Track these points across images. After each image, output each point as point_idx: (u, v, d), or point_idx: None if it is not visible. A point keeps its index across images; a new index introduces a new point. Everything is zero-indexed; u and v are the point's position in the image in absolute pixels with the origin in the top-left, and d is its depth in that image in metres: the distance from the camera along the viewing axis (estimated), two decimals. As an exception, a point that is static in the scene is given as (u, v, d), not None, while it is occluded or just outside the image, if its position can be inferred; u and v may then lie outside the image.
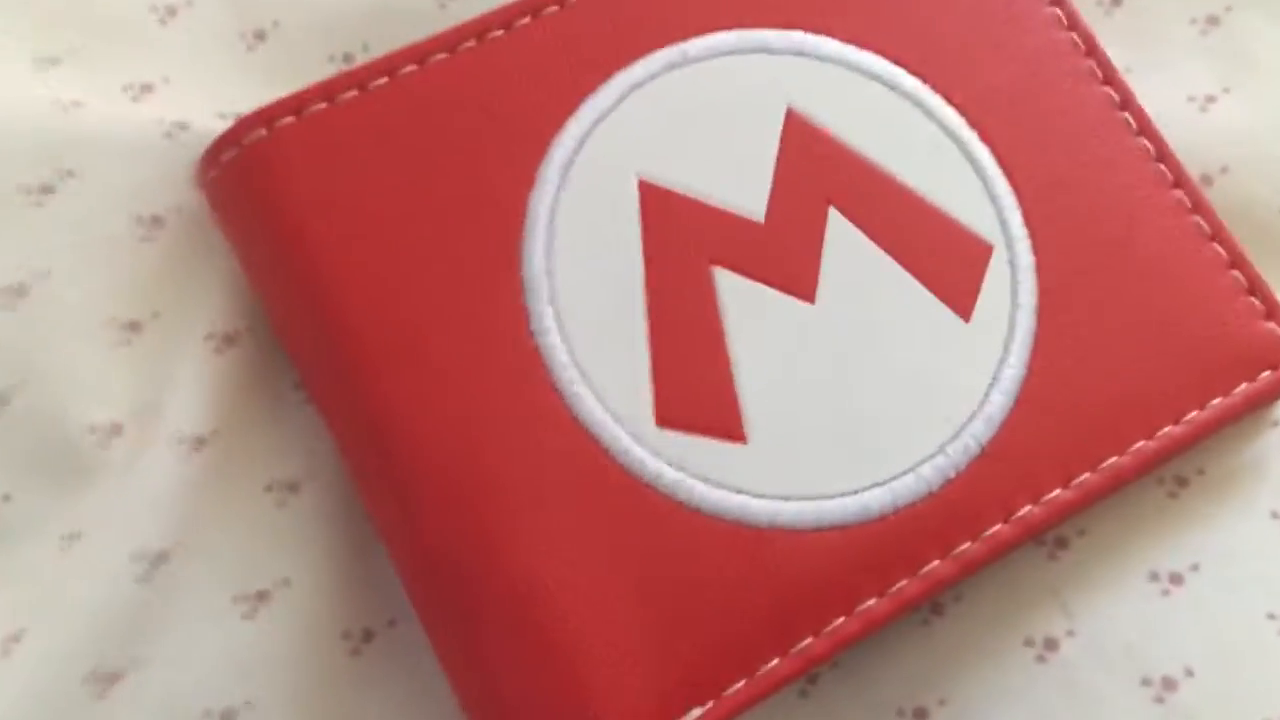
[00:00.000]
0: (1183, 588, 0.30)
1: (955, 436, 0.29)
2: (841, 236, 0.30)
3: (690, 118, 0.31)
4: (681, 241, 0.30)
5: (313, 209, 0.29)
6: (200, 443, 0.30)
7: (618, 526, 0.28)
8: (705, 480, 0.28)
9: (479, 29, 0.31)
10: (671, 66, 0.31)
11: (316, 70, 0.34)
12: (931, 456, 0.29)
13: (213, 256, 0.32)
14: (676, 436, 0.28)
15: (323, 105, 0.30)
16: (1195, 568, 0.30)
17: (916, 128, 0.31)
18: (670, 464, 0.28)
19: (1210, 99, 0.34)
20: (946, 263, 0.30)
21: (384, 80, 0.30)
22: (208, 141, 0.30)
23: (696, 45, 0.31)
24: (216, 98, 0.34)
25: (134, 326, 0.31)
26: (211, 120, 0.33)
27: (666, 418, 0.28)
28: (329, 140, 0.29)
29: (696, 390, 0.29)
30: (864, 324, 0.29)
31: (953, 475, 0.29)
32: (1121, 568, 0.30)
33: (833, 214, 0.30)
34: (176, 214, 0.32)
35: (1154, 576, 0.30)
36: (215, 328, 0.31)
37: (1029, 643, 0.30)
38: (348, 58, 0.34)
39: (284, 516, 0.30)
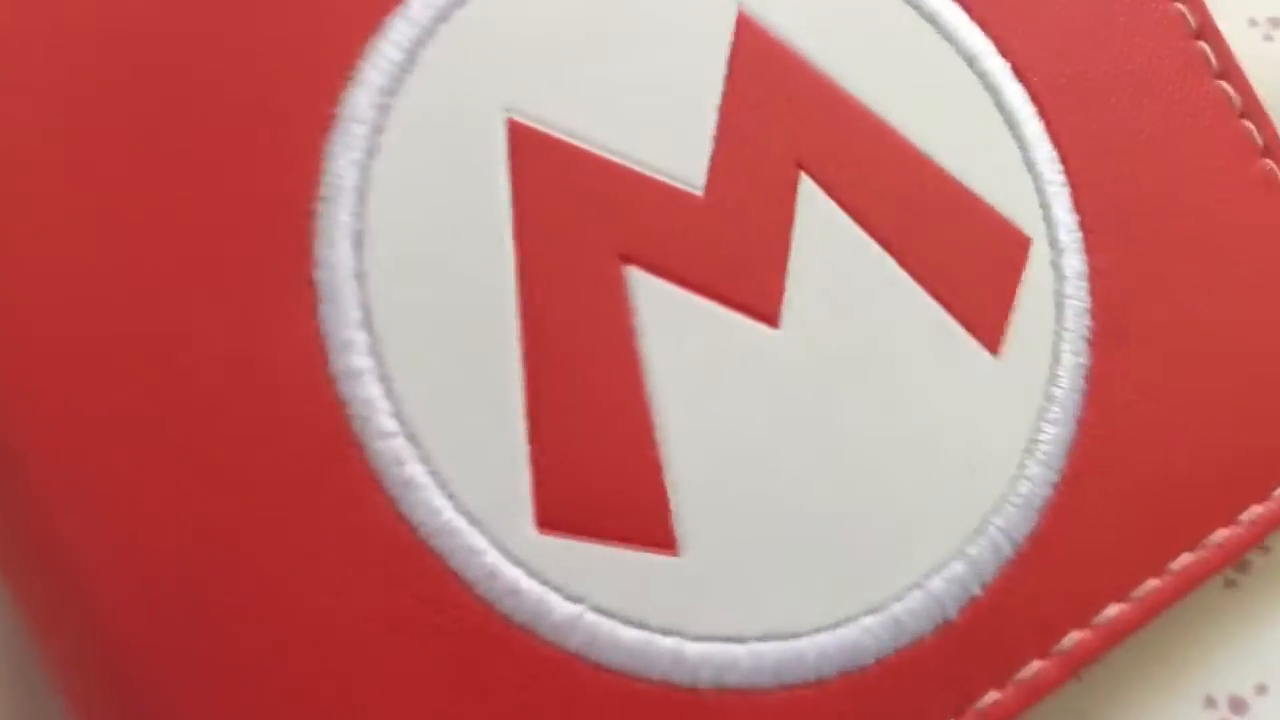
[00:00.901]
0: (1247, 718, 0.22)
1: (979, 531, 0.19)
2: (817, 220, 0.19)
3: (589, 21, 0.19)
4: (576, 223, 0.18)
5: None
6: None
7: (475, 696, 0.17)
8: (615, 616, 0.18)
9: None
10: (559, -66, 0.19)
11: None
12: (946, 564, 0.19)
13: None
14: (569, 546, 0.18)
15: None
16: (1262, 689, 0.22)
17: (927, 53, 0.20)
18: (559, 590, 0.18)
19: (1276, 23, 0.25)
20: (968, 263, 0.20)
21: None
22: None
23: (598, -100, 0.20)
24: None
25: None
26: None
27: (552, 516, 0.18)
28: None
29: (600, 470, 0.18)
30: (849, 361, 0.19)
31: (977, 591, 0.19)
32: (1168, 690, 0.22)
33: (804, 184, 0.20)
34: None
35: (1210, 702, 0.22)
36: None
37: (1049, 801, 0.21)
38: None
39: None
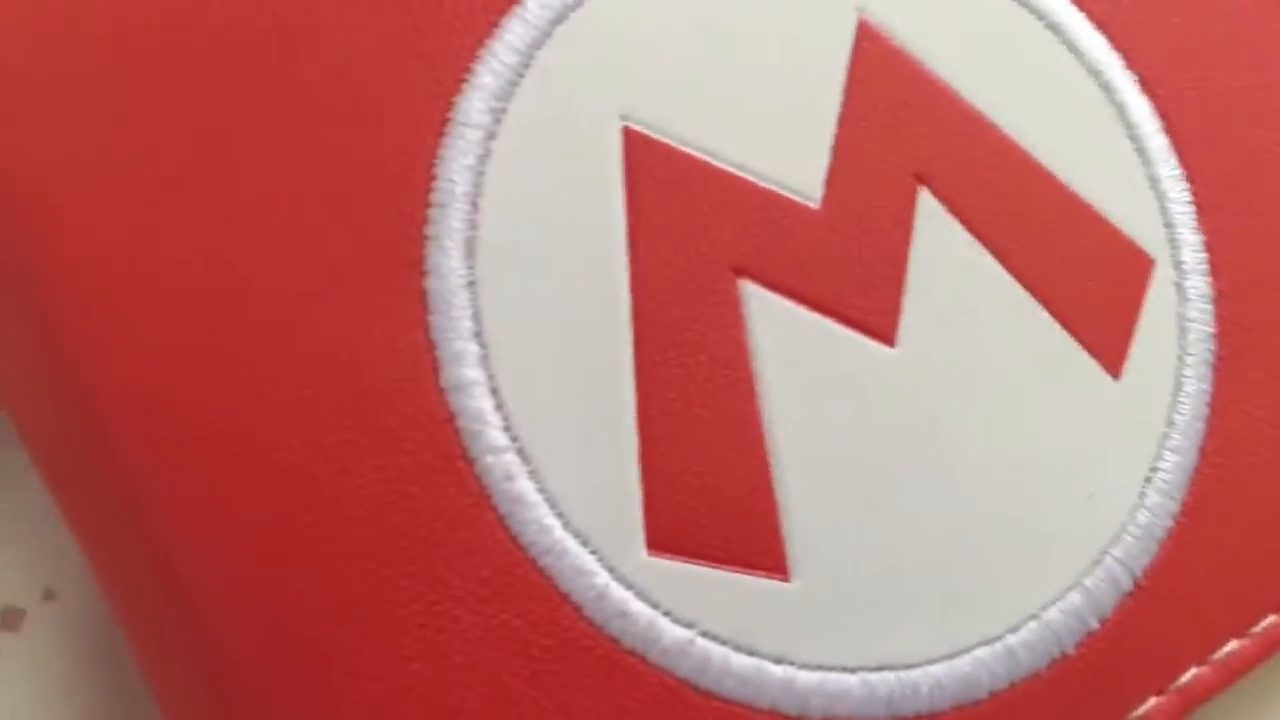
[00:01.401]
0: (1361, 757, 0.21)
1: (1097, 562, 0.19)
2: (935, 236, 0.19)
3: (707, 28, 0.19)
4: (690, 235, 0.18)
5: (37, 159, 0.16)
6: None
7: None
8: (726, 642, 0.17)
9: None
10: (678, -64, 0.19)
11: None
12: (1063, 595, 0.18)
13: None
14: (680, 569, 0.17)
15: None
16: (1377, 728, 0.21)
17: (1050, 64, 0.20)
18: (670, 614, 0.17)
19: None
20: (1089, 283, 0.19)
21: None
22: None
23: (718, -98, 0.19)
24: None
25: None
26: None
27: (663, 538, 0.17)
28: (63, 25, 0.16)
29: (711, 491, 0.17)
30: (966, 381, 0.19)
31: (1094, 625, 0.18)
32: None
33: (923, 198, 0.19)
34: None
35: (1322, 740, 0.21)
36: None
37: (1152, 840, 0.20)
38: None
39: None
